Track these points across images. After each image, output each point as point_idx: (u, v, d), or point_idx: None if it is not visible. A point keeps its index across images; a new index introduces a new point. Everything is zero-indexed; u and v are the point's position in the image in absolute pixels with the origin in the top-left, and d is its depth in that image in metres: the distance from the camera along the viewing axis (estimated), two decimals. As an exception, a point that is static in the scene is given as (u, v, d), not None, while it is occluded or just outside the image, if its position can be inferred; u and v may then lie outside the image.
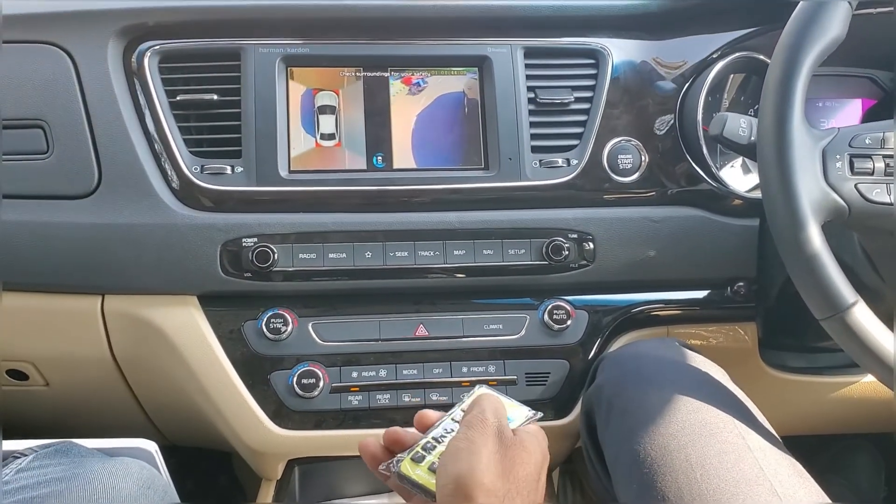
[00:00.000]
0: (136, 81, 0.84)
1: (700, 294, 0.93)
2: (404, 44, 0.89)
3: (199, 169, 0.83)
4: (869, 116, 1.00)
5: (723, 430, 0.68)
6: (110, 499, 0.63)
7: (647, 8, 0.91)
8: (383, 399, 0.86)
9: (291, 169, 0.85)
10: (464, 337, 0.88)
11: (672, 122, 0.90)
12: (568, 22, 0.91)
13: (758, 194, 0.88)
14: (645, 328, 0.93)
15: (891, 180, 0.67)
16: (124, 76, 0.85)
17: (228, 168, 0.83)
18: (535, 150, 0.88)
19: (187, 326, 0.85)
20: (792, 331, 0.95)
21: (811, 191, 0.65)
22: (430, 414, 0.63)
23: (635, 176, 0.89)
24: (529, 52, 0.89)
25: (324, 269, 0.84)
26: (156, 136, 0.84)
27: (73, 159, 0.82)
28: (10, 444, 0.70)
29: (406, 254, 0.85)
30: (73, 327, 0.87)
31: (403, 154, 0.87)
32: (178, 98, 0.84)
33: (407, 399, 0.86)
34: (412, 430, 0.63)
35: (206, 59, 0.86)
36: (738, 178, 0.93)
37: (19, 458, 0.68)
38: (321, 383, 0.84)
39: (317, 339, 0.86)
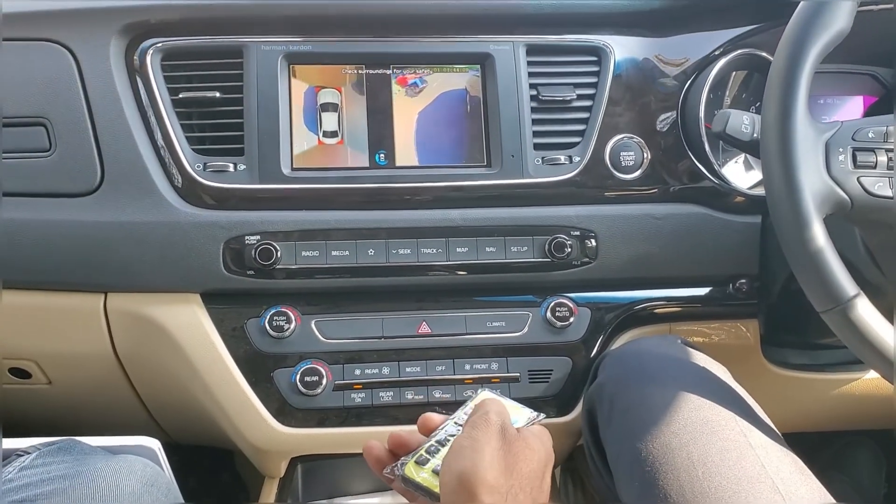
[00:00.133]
0: (139, 79, 0.84)
1: (702, 291, 0.93)
2: (407, 41, 0.89)
3: (201, 167, 0.83)
4: (870, 113, 1.00)
5: (725, 428, 0.68)
6: (114, 496, 0.64)
7: (650, 5, 0.91)
8: (386, 396, 0.86)
9: (294, 167, 0.85)
10: (466, 334, 0.88)
11: (674, 119, 0.90)
12: (570, 19, 0.91)
13: (760, 191, 0.89)
14: (647, 325, 0.93)
15: (893, 174, 0.67)
16: (127, 74, 0.85)
17: (231, 166, 0.83)
18: (537, 147, 0.88)
19: (190, 324, 0.85)
20: (794, 328, 0.95)
21: (814, 183, 0.65)
22: (434, 417, 0.63)
23: (637, 173, 0.89)
24: (532, 50, 0.89)
25: (327, 266, 0.84)
26: (158, 133, 0.84)
27: (76, 157, 0.82)
28: (14, 442, 0.70)
29: (409, 251, 0.85)
30: (76, 325, 0.87)
31: (406, 151, 0.87)
32: (180, 96, 0.84)
33: (410, 396, 0.86)
34: (414, 429, 0.63)
35: (209, 57, 0.86)
36: (741, 174, 0.93)
37: (23, 455, 0.68)
38: (324, 381, 0.85)
39: (320, 336, 0.86)
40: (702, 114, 0.88)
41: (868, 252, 0.78)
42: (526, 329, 0.88)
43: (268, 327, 0.85)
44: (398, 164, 0.87)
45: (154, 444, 0.75)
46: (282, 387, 0.85)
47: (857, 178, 0.67)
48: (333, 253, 0.84)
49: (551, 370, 0.88)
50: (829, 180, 0.66)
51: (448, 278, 0.87)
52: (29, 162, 0.82)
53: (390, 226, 0.86)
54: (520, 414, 0.62)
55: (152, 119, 0.84)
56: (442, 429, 0.61)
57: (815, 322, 0.67)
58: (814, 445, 1.32)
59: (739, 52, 0.90)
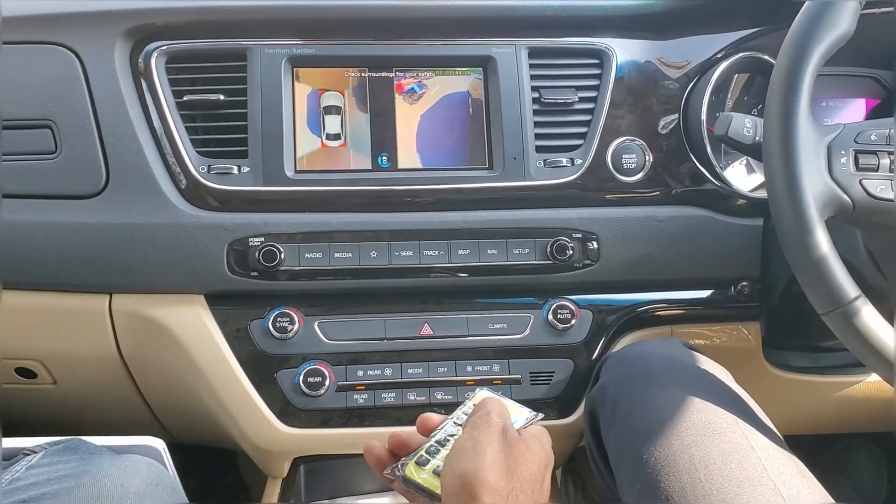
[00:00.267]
0: (144, 82, 0.85)
1: (704, 294, 0.93)
2: (409, 44, 0.89)
3: (205, 169, 0.84)
4: (873, 116, 1.00)
5: (726, 430, 0.68)
6: (119, 496, 0.64)
7: (652, 8, 0.91)
8: (389, 398, 0.87)
9: (297, 169, 0.85)
10: (468, 336, 0.88)
11: (676, 121, 0.91)
12: (572, 22, 0.91)
13: (762, 194, 0.89)
14: (649, 328, 0.93)
15: (894, 177, 0.67)
16: (131, 76, 0.85)
17: (235, 168, 0.84)
18: (539, 149, 0.88)
19: (194, 325, 0.85)
20: (795, 330, 0.95)
21: (816, 185, 0.65)
22: (433, 417, 0.64)
23: (639, 176, 0.89)
24: (534, 52, 0.89)
25: (329, 268, 0.85)
26: (163, 136, 0.84)
27: (81, 159, 0.83)
28: (20, 441, 0.71)
29: (411, 253, 0.86)
30: (81, 326, 0.87)
31: (408, 154, 0.88)
32: (184, 98, 0.85)
33: (412, 398, 0.87)
34: (415, 431, 0.63)
35: (213, 60, 0.86)
36: (742, 177, 0.93)
37: (29, 455, 0.69)
38: (327, 382, 0.85)
39: (323, 337, 0.86)
40: (704, 117, 0.88)
41: (870, 255, 0.78)
42: (527, 331, 0.89)
43: (271, 328, 0.85)
44: (401, 166, 0.87)
45: (159, 443, 0.75)
46: (285, 387, 0.85)
47: (859, 181, 0.67)
48: (336, 255, 0.85)
49: (553, 372, 0.89)
50: (831, 182, 0.67)
51: (450, 280, 0.87)
52: (34, 164, 0.83)
53: (393, 228, 0.86)
54: (518, 414, 0.63)
55: (157, 121, 0.84)
56: (441, 429, 0.62)
57: (816, 325, 0.67)
58: (815, 448, 1.32)
59: (741, 55, 0.90)
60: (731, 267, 0.91)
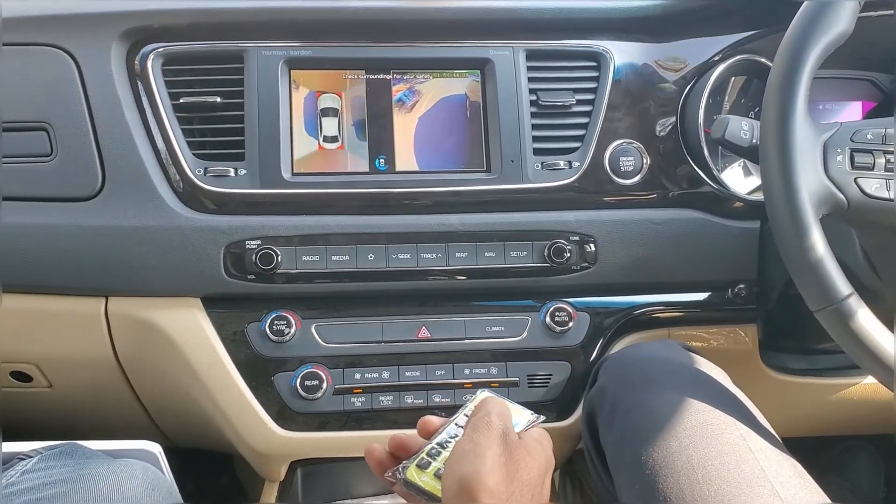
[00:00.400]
0: (140, 84, 0.85)
1: (701, 296, 0.93)
2: (406, 46, 0.89)
3: (202, 171, 0.84)
4: (869, 119, 1.00)
5: (724, 432, 0.68)
6: (115, 500, 0.64)
7: (649, 11, 0.91)
8: (386, 401, 0.86)
9: (294, 171, 0.85)
10: (466, 339, 0.88)
11: (673, 124, 0.91)
12: (569, 24, 0.91)
13: (759, 196, 0.89)
14: (646, 330, 0.93)
15: (890, 176, 0.68)
16: (128, 79, 0.85)
17: (232, 170, 0.84)
18: (536, 152, 0.88)
19: (191, 328, 0.85)
20: (792, 333, 0.95)
21: (811, 183, 0.65)
22: (434, 420, 0.63)
23: (637, 178, 0.89)
24: (531, 55, 0.90)
25: (327, 271, 0.85)
26: (159, 138, 0.84)
27: (77, 162, 0.83)
28: (16, 446, 0.71)
29: (408, 256, 0.86)
30: (77, 329, 0.87)
31: (406, 156, 0.88)
32: (181, 100, 0.85)
33: (409, 401, 0.87)
34: (415, 434, 0.63)
35: (210, 62, 0.86)
36: (740, 180, 0.93)
37: (24, 459, 0.69)
38: (324, 385, 0.85)
39: (320, 340, 0.86)
40: (701, 119, 0.88)
41: (865, 255, 0.79)
42: (525, 334, 0.89)
43: (268, 331, 0.85)
44: (398, 169, 0.87)
45: (155, 447, 0.75)
46: (282, 391, 0.85)
47: (855, 179, 0.67)
48: (334, 257, 0.85)
49: (550, 374, 0.88)
50: (827, 180, 0.67)
51: (448, 283, 0.87)
52: (30, 166, 0.83)
53: (390, 230, 0.86)
54: (520, 416, 0.63)
55: (153, 124, 0.84)
56: (442, 431, 0.61)
57: (813, 327, 0.68)
58: (813, 450, 1.32)
59: (738, 57, 0.91)
60: (728, 269, 0.91)
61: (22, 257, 0.82)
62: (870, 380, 0.97)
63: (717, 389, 0.76)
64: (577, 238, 0.88)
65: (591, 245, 0.88)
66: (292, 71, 0.87)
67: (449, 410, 0.65)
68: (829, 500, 0.64)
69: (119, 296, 0.85)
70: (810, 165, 0.66)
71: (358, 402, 0.86)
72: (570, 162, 0.88)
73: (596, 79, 0.90)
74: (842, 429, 1.17)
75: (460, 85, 0.90)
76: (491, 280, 0.88)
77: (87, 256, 0.82)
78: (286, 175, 0.84)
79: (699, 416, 0.70)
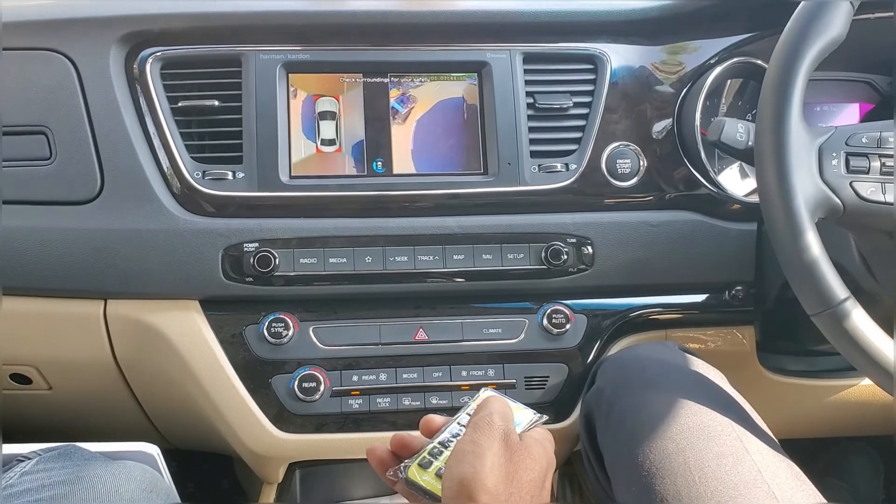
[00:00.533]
0: (139, 88, 0.85)
1: (698, 298, 0.93)
2: (404, 50, 0.89)
3: (200, 174, 0.84)
4: (866, 121, 1.00)
5: (721, 434, 0.68)
6: (114, 502, 0.64)
7: (645, 13, 0.91)
8: (384, 402, 0.87)
9: (292, 174, 0.86)
10: (463, 341, 0.88)
11: (670, 126, 0.91)
12: (566, 28, 0.91)
13: (755, 199, 0.89)
14: (643, 332, 0.93)
15: (886, 179, 0.68)
16: (126, 83, 0.85)
17: (230, 174, 0.84)
18: (534, 154, 0.88)
19: (189, 331, 0.85)
20: (790, 334, 0.95)
21: (806, 187, 0.65)
22: (436, 419, 0.63)
23: (634, 180, 0.90)
24: (528, 58, 0.90)
25: (324, 273, 0.85)
26: (158, 142, 0.84)
27: (76, 165, 0.83)
28: (15, 448, 0.71)
29: (406, 258, 0.86)
30: (76, 332, 0.87)
31: (403, 159, 0.88)
32: (179, 104, 0.85)
33: (407, 402, 0.87)
34: (417, 433, 0.63)
35: (208, 66, 0.86)
36: (736, 182, 0.94)
37: (23, 461, 0.69)
38: (322, 387, 0.85)
39: (318, 343, 0.86)
40: (698, 122, 0.89)
41: (862, 259, 0.79)
42: (522, 336, 0.89)
43: (266, 334, 0.85)
44: (395, 171, 0.88)
45: (153, 449, 0.75)
46: (280, 393, 0.85)
47: (850, 183, 0.67)
48: (331, 260, 0.85)
49: (548, 376, 0.89)
50: (822, 184, 0.67)
51: (445, 285, 0.88)
52: (29, 170, 0.83)
53: (388, 233, 0.86)
54: (522, 415, 0.63)
55: (152, 127, 0.84)
56: (444, 430, 0.61)
57: (810, 329, 0.68)
58: (811, 452, 1.32)
59: (735, 60, 0.91)
60: (726, 271, 0.91)
61: (21, 260, 0.83)
62: (867, 381, 0.97)
63: (714, 391, 0.76)
64: (574, 240, 0.88)
65: (589, 247, 0.88)
66: (290, 74, 0.87)
67: (446, 412, 0.65)
68: (826, 502, 0.64)
69: (118, 298, 0.86)
70: (805, 169, 0.66)
71: (356, 404, 0.86)
72: (567, 164, 0.88)
73: (593, 81, 0.90)
74: (839, 430, 1.17)
75: (457, 88, 0.90)
76: (488, 282, 0.88)
77: (86, 259, 0.83)
78: (284, 178, 0.85)
79: (696, 418, 0.70)
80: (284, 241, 0.84)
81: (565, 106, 0.89)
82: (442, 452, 0.59)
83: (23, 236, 0.83)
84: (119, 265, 0.83)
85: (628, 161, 0.89)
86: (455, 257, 0.86)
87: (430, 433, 0.62)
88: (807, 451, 1.29)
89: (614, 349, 0.91)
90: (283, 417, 0.86)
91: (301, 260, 0.84)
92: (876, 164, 0.68)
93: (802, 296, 0.66)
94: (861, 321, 0.64)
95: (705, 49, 0.92)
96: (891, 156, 0.68)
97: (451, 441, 0.59)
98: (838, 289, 0.64)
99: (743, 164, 0.94)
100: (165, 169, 0.84)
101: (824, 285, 0.64)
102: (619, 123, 0.90)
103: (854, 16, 0.69)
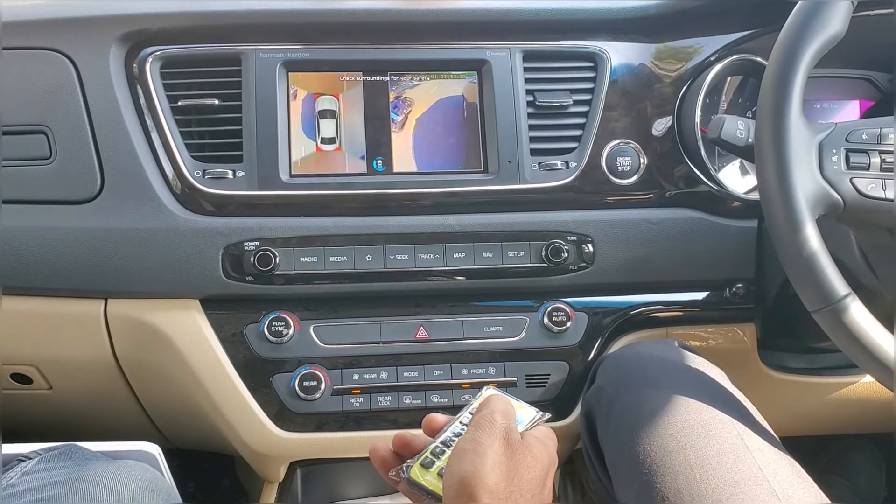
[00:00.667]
0: (138, 87, 0.85)
1: (699, 295, 0.93)
2: (404, 48, 0.89)
3: (200, 173, 0.84)
4: (867, 118, 1.00)
5: (722, 431, 0.68)
6: (115, 501, 0.64)
7: (645, 11, 0.91)
8: (384, 401, 0.87)
9: (292, 173, 0.86)
10: (464, 339, 0.88)
11: (670, 124, 0.91)
12: (566, 25, 0.91)
13: (756, 196, 0.89)
14: (644, 329, 0.93)
15: (886, 176, 0.68)
16: (126, 82, 0.85)
17: (230, 172, 0.84)
18: (534, 152, 0.88)
19: (190, 330, 0.85)
20: (791, 331, 0.95)
21: (806, 184, 0.65)
22: (439, 417, 0.63)
23: (634, 178, 0.90)
24: (528, 56, 0.90)
25: (325, 272, 0.85)
26: (158, 141, 0.84)
27: (76, 165, 0.83)
28: (15, 448, 0.71)
29: (406, 257, 0.86)
30: (77, 331, 0.87)
31: (403, 158, 0.88)
32: (179, 103, 0.85)
33: (408, 401, 0.87)
34: (419, 432, 0.63)
35: (208, 65, 0.86)
36: (737, 179, 0.93)
37: (24, 461, 0.69)
38: (323, 386, 0.85)
39: (318, 341, 0.86)
40: (698, 119, 0.89)
41: (862, 254, 0.79)
42: (523, 334, 0.89)
43: (267, 333, 0.85)
44: (395, 170, 0.88)
45: (154, 449, 0.75)
46: (281, 392, 0.85)
47: (850, 180, 0.67)
48: (332, 259, 0.85)
49: (548, 374, 0.89)
50: (822, 181, 0.67)
51: (445, 283, 0.88)
52: (30, 170, 0.83)
53: (388, 231, 0.86)
54: (524, 413, 0.62)
55: (152, 126, 0.84)
56: (447, 429, 0.61)
57: (811, 326, 0.68)
58: (812, 449, 1.32)
59: (735, 57, 0.91)
60: (726, 269, 0.91)
61: (21, 260, 0.83)
62: (869, 378, 0.97)
63: (714, 389, 0.76)
64: (574, 238, 0.88)
65: (589, 245, 0.88)
66: (290, 73, 0.87)
67: (447, 411, 0.65)
68: (828, 500, 0.64)
69: (118, 298, 0.86)
70: (805, 166, 0.66)
71: (356, 402, 0.86)
72: (567, 162, 0.88)
73: (593, 79, 0.90)
74: (841, 428, 1.17)
75: (457, 86, 0.90)
76: (489, 280, 0.88)
77: (87, 259, 0.83)
78: (284, 177, 0.85)
79: (697, 416, 0.70)
80: (285, 239, 0.84)
81: (565, 104, 0.89)
82: (444, 452, 0.58)
83: (23, 236, 0.83)
84: (119, 264, 0.83)
85: (628, 159, 0.89)
86: (455, 255, 0.86)
87: (433, 432, 0.62)
88: (808, 448, 1.29)
89: (615, 347, 0.91)
90: (283, 416, 0.86)
91: (301, 259, 0.84)
92: (876, 160, 0.68)
93: (803, 293, 0.66)
94: (862, 318, 0.64)
95: (705, 46, 0.92)
96: (891, 152, 0.68)
97: (454, 440, 0.59)
98: (839, 285, 0.64)
99: (743, 161, 0.94)
100: (165, 168, 0.84)
101: (825, 282, 0.64)
102: (619, 121, 0.90)
103: (854, 12, 0.69)
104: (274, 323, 0.85)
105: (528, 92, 0.89)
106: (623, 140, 0.90)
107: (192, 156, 0.85)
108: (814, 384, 0.98)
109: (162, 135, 0.84)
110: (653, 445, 0.68)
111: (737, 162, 0.94)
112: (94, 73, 0.84)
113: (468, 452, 0.53)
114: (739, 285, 0.92)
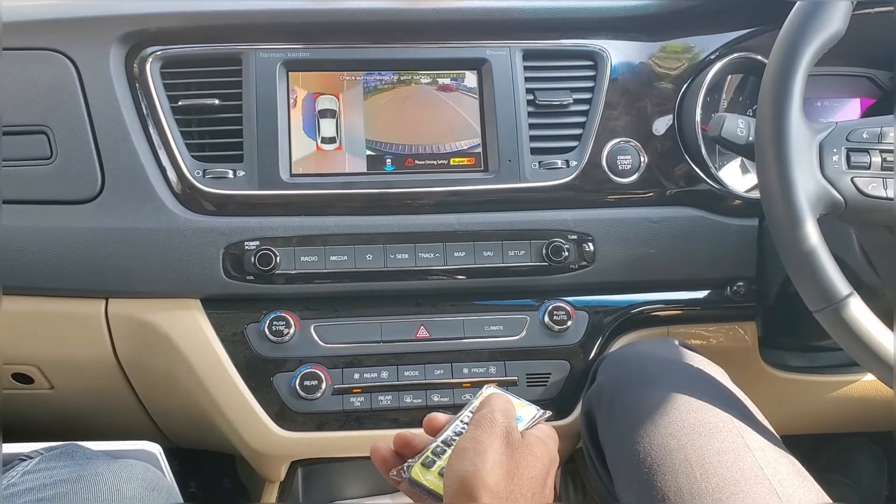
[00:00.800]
0: (139, 87, 0.85)
1: (700, 294, 0.93)
2: (404, 47, 0.89)
3: (201, 173, 0.84)
4: (867, 116, 1.00)
5: (722, 430, 0.68)
6: (115, 501, 0.64)
7: (646, 9, 0.91)
8: (385, 400, 0.87)
9: (293, 173, 0.86)
10: (464, 338, 0.88)
11: (671, 122, 0.91)
12: (566, 24, 0.91)
13: (756, 194, 0.89)
14: (645, 328, 0.93)
15: (887, 175, 0.68)
16: (127, 82, 0.85)
17: (230, 172, 0.84)
18: (534, 151, 0.88)
19: (190, 329, 0.85)
20: (792, 330, 0.95)
21: (807, 183, 0.65)
22: (440, 417, 0.63)
23: (634, 177, 0.89)
24: (528, 55, 0.90)
25: (325, 271, 0.85)
26: (158, 140, 0.84)
27: (77, 165, 0.83)
28: (17, 447, 0.71)
29: (406, 256, 0.86)
30: (78, 331, 0.87)
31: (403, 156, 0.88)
32: (179, 103, 0.85)
33: (409, 400, 0.87)
34: (420, 431, 0.63)
35: (208, 64, 0.86)
36: (737, 178, 0.93)
37: (25, 460, 0.69)
38: (323, 385, 0.85)
39: (319, 341, 0.86)
40: (698, 117, 0.89)
41: (863, 253, 0.79)
42: (524, 332, 0.89)
43: (267, 332, 0.85)
44: (395, 169, 0.87)
45: (155, 448, 0.75)
46: (281, 391, 0.85)
47: (851, 179, 0.67)
48: (332, 258, 0.85)
49: (549, 373, 0.89)
50: (823, 180, 0.67)
51: (446, 282, 0.88)
52: (30, 170, 0.83)
53: (388, 231, 0.86)
54: (525, 411, 0.62)
55: (152, 126, 0.84)
56: (447, 428, 0.61)
57: (812, 324, 0.68)
58: (813, 448, 1.32)
59: (735, 55, 0.91)
60: (727, 267, 0.91)
61: (22, 260, 0.83)
62: (870, 377, 0.97)
63: (715, 388, 0.76)
64: (575, 237, 0.88)
65: (590, 244, 0.88)
66: (290, 73, 0.87)
67: (448, 410, 0.65)
68: (829, 499, 0.64)
69: (119, 297, 0.86)
70: (806, 165, 0.66)
71: (357, 401, 0.86)
72: (567, 161, 0.88)
73: (593, 78, 0.90)
74: (842, 426, 1.17)
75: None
76: (489, 279, 0.88)
77: (87, 258, 0.83)
78: (284, 176, 0.85)
79: (697, 415, 0.70)
80: (285, 239, 0.84)
81: (565, 102, 0.89)
82: (445, 451, 0.58)
83: (23, 236, 0.83)
84: (120, 264, 0.83)
85: (629, 157, 0.89)
86: (456, 254, 0.86)
87: (434, 431, 0.62)
88: (809, 447, 1.29)
89: (616, 346, 0.91)
90: (284, 415, 0.86)
91: (302, 258, 0.84)
92: (877, 159, 0.68)
93: (804, 292, 0.66)
94: (863, 317, 0.64)
95: (705, 45, 0.92)
96: (891, 151, 0.68)
97: (455, 439, 0.59)
98: (840, 285, 0.64)
99: (744, 159, 0.94)
100: (166, 168, 0.84)
101: (826, 281, 0.64)
102: (620, 120, 0.90)
103: (854, 11, 0.68)
104: (275, 322, 0.85)
105: (529, 91, 0.89)
106: (623, 139, 0.90)
107: (192, 155, 0.85)
108: (815, 383, 0.98)
109: (162, 135, 0.84)
110: (653, 444, 0.68)
111: (737, 160, 0.94)
112: (95, 73, 0.84)
113: (469, 451, 0.53)
114: (740, 284, 0.92)
